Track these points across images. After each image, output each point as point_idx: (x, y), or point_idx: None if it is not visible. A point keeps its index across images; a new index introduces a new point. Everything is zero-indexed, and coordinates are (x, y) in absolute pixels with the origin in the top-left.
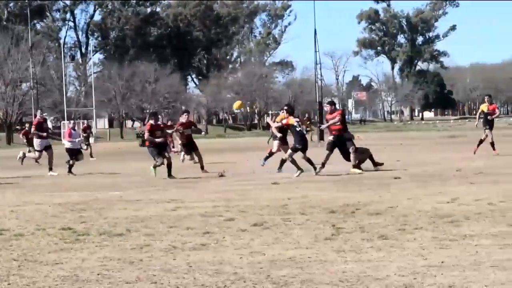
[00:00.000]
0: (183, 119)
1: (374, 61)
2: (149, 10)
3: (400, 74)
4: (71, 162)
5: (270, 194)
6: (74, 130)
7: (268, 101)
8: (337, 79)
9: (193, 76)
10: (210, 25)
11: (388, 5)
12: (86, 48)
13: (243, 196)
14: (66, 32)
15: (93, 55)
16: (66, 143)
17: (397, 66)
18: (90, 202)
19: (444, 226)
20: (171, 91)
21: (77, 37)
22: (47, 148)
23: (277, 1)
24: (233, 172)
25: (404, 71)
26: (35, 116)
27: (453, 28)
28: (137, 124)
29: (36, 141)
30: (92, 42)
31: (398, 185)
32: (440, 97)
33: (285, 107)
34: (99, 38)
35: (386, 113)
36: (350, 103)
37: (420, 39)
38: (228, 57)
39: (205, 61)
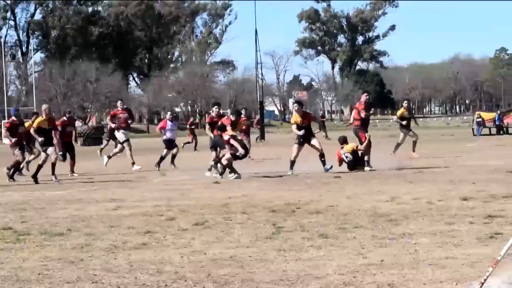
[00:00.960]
0: (213, 113)
1: (314, 60)
2: (90, 9)
3: (340, 73)
4: (163, 154)
5: (211, 193)
6: (171, 121)
7: (209, 100)
8: (278, 78)
9: (135, 75)
10: (152, 25)
11: (329, 5)
12: (27, 47)
13: (184, 196)
14: (7, 31)
15: (34, 54)
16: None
17: (337, 66)
18: (31, 202)
19: (383, 224)
20: (113, 90)
21: (18, 36)
22: (126, 141)
23: (217, 1)
24: (175, 172)
25: (344, 71)
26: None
27: (392, 28)
28: (78, 123)
29: (119, 133)
30: (33, 41)
31: (338, 184)
32: (379, 96)
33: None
34: (40, 37)
35: (326, 112)
36: (291, 103)
37: (360, 39)
38: (169, 56)
39: (146, 61)
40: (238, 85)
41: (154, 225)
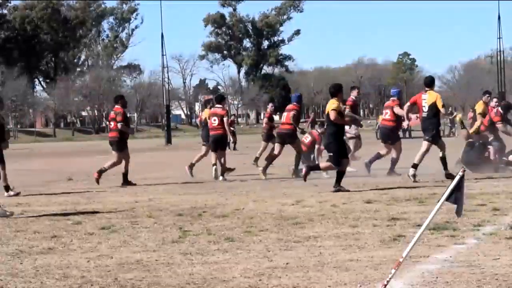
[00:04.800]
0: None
1: (220, 65)
2: None
3: (246, 78)
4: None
5: (118, 197)
6: None
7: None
8: (184, 82)
9: (41, 79)
10: (58, 28)
11: (234, 9)
12: None
13: (91, 200)
14: None
15: None
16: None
17: (243, 70)
18: None
19: (288, 228)
20: (19, 94)
21: None
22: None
23: (124, 5)
24: (81, 176)
25: (250, 75)
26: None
27: (297, 32)
28: None
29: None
30: None
31: (244, 187)
32: (285, 100)
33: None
34: None
35: (232, 116)
36: (197, 107)
37: (265, 43)
38: (75, 60)
39: (52, 64)
40: (145, 89)
41: (60, 230)
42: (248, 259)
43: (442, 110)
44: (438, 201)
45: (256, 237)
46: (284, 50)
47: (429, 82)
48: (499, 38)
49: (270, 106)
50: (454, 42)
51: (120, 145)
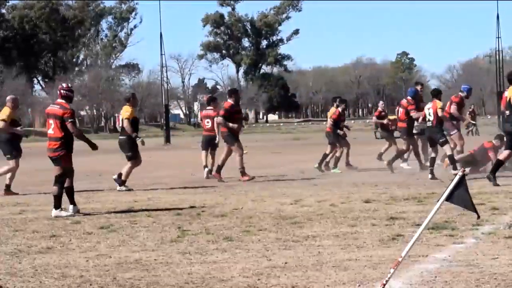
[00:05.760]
0: (380, 107)
1: (219, 64)
2: None
3: (245, 77)
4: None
5: (117, 196)
6: None
7: (114, 103)
8: (183, 82)
9: (39, 78)
10: (56, 28)
11: (233, 9)
12: None
13: (90, 199)
14: None
15: None
16: None
17: (242, 70)
18: None
19: (287, 227)
20: (17, 94)
21: None
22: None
23: (122, 4)
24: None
25: (249, 75)
26: None
27: (296, 32)
28: None
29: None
30: None
31: (242, 187)
32: (284, 100)
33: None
34: None
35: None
36: (196, 106)
37: (264, 43)
38: (74, 59)
39: (51, 64)
40: (144, 89)
41: (59, 229)
42: (247, 259)
43: None
44: (438, 200)
45: (255, 237)
46: (282, 49)
47: None
48: (498, 37)
49: (381, 104)
50: (453, 42)
51: (230, 138)
